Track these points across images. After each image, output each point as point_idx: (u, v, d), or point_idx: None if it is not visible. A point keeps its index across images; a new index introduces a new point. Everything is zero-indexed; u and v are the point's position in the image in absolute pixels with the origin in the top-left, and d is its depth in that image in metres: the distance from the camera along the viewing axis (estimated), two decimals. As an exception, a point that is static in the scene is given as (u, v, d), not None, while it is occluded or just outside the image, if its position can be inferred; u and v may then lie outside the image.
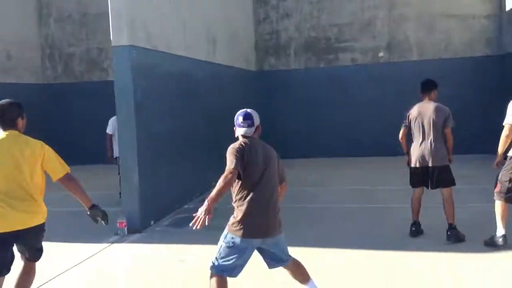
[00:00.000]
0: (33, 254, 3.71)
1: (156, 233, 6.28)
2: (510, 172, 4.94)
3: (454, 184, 5.38)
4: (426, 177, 5.41)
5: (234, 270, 3.49)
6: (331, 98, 12.35)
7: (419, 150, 5.38)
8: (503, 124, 5.01)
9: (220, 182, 3.33)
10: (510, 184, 4.95)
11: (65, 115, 12.82)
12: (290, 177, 9.65)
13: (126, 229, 6.10)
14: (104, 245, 5.75)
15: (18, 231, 3.49)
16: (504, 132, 4.95)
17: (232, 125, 3.71)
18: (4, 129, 3.60)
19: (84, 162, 12.31)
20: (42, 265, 4.81)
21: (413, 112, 5.48)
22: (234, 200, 3.55)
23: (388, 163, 10.95)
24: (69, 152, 12.48)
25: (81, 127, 12.55)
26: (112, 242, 5.85)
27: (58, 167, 3.64)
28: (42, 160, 3.57)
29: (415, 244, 5.26)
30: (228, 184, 3.36)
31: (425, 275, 4.46)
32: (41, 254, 3.78)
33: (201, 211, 3.36)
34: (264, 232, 3.48)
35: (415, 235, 5.45)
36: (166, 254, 5.38)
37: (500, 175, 5.07)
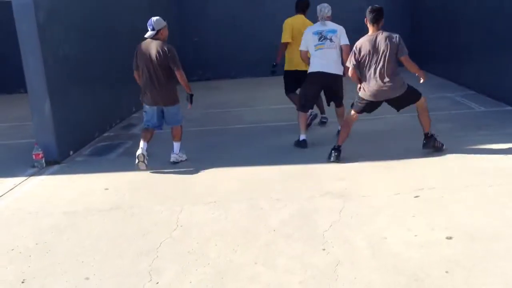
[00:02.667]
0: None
1: (77, 163, 6.04)
2: (306, 87, 5.99)
3: (420, 95, 5.27)
4: (378, 105, 5.28)
5: (152, 123, 5.53)
6: (251, 16, 12.08)
7: (374, 87, 5.06)
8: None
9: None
10: (304, 97, 6.00)
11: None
12: (216, 100, 9.58)
13: (43, 161, 5.81)
14: (21, 178, 5.45)
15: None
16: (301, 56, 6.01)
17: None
18: None
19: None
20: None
21: (364, 46, 5.02)
22: None
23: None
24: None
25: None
26: (30, 175, 5.56)
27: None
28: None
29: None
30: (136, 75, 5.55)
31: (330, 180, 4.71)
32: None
33: None
34: (153, 101, 5.43)
35: (335, 160, 5.24)
36: (89, 184, 5.22)
37: (301, 89, 6.14)
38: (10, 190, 5.14)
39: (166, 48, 5.25)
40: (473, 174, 4.68)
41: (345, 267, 3.18)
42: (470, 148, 5.41)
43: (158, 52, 5.23)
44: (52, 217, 4.37)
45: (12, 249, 3.79)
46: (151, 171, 5.43)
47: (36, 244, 3.86)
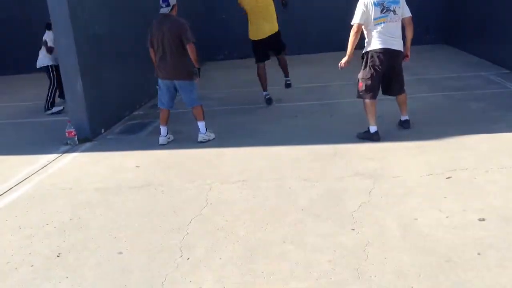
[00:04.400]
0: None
1: (108, 140, 6.15)
2: (368, 69, 5.15)
3: None
4: None
5: (164, 101, 5.70)
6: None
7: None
8: (351, 23, 5.14)
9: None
10: (371, 81, 5.16)
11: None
12: (242, 79, 9.49)
13: (76, 139, 5.93)
14: (55, 155, 5.59)
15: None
16: (352, 31, 5.10)
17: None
18: None
19: (15, 72, 11.67)
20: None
21: None
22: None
23: (340, 58, 11.00)
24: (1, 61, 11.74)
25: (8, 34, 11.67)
26: (63, 152, 5.70)
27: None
28: None
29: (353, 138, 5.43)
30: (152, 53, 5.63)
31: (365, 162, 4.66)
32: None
33: None
34: (166, 75, 5.55)
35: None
36: (120, 161, 5.32)
37: (359, 74, 5.26)
38: (44, 166, 5.28)
39: (180, 22, 5.42)
40: (507, 155, 4.56)
41: (375, 247, 3.17)
42: (505, 128, 5.26)
43: (172, 26, 5.36)
44: (85, 193, 4.48)
45: (47, 224, 3.91)
46: (180, 149, 5.49)
47: (70, 219, 3.97)
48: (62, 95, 7.87)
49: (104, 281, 3.09)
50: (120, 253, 3.39)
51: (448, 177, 4.16)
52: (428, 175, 4.24)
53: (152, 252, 3.36)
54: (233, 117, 6.76)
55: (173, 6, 5.46)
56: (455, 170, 4.29)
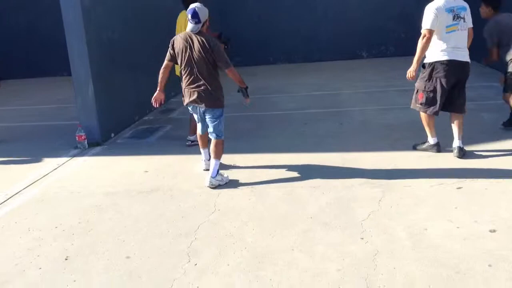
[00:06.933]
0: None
1: (118, 145, 6.18)
2: (433, 81, 4.75)
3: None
4: None
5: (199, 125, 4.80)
6: (290, 2, 11.96)
7: None
8: (421, 29, 4.68)
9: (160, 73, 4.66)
10: (433, 94, 4.78)
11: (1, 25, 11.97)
12: (252, 86, 9.56)
13: (86, 143, 5.96)
14: (65, 159, 5.62)
15: None
16: (423, 38, 4.65)
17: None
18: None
19: (30, 75, 11.78)
20: None
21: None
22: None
23: (349, 66, 11.00)
24: (13, 64, 11.89)
25: (21, 37, 11.80)
26: (73, 156, 5.73)
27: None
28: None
29: (372, 145, 5.40)
30: (163, 72, 4.69)
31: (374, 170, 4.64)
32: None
33: None
34: (191, 100, 4.52)
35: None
36: (129, 166, 5.33)
37: (420, 84, 4.86)
38: (54, 170, 5.30)
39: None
40: (519, 166, 4.51)
41: (384, 257, 3.14)
42: (517, 140, 5.21)
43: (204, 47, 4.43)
44: (94, 197, 4.49)
45: (56, 227, 3.91)
46: (189, 154, 5.49)
47: (79, 222, 3.97)
48: None
49: (111, 285, 3.08)
50: (128, 257, 3.38)
51: (459, 187, 4.11)
52: (439, 185, 4.20)
53: (160, 257, 3.35)
54: (241, 124, 6.76)
55: (205, 22, 4.41)
56: (466, 180, 4.25)
